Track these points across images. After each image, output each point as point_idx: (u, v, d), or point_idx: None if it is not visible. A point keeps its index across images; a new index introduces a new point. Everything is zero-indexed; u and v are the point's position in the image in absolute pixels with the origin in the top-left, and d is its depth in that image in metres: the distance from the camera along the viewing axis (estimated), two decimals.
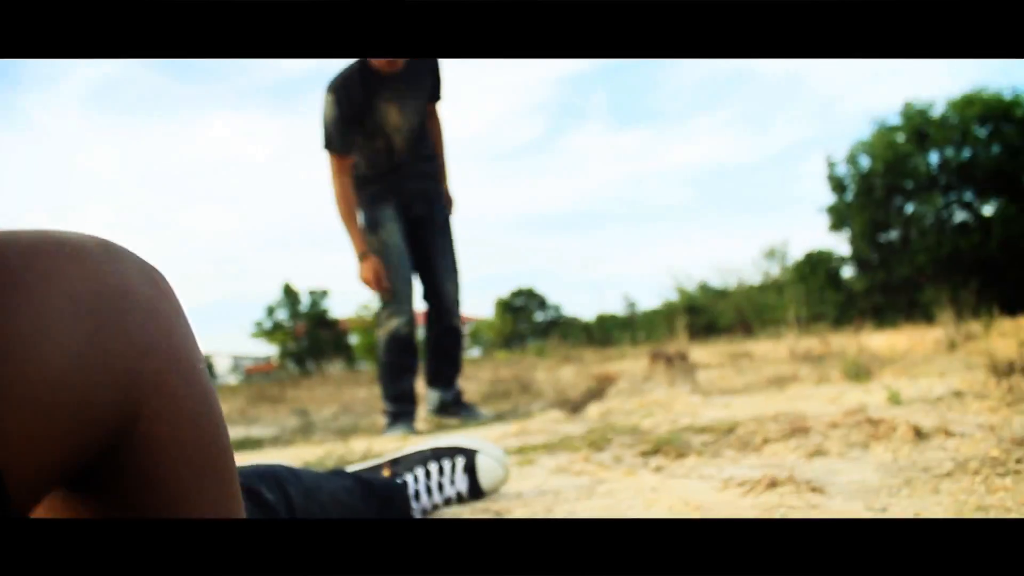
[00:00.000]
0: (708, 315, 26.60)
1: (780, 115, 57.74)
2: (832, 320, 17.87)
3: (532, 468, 2.09)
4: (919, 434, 2.11)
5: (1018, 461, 1.71)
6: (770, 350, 9.49)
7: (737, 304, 26.49)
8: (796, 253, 30.87)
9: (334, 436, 3.84)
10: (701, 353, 9.15)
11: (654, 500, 1.52)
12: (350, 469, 1.70)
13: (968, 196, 24.78)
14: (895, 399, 2.92)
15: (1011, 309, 14.48)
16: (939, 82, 48.62)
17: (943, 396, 2.99)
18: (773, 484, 1.50)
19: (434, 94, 3.66)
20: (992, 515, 1.32)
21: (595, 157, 62.99)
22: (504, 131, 69.73)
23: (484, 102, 71.69)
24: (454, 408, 3.80)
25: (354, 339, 31.38)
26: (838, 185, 25.84)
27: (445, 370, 3.80)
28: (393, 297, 3.49)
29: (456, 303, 3.75)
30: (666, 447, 2.10)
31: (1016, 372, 2.94)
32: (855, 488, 1.53)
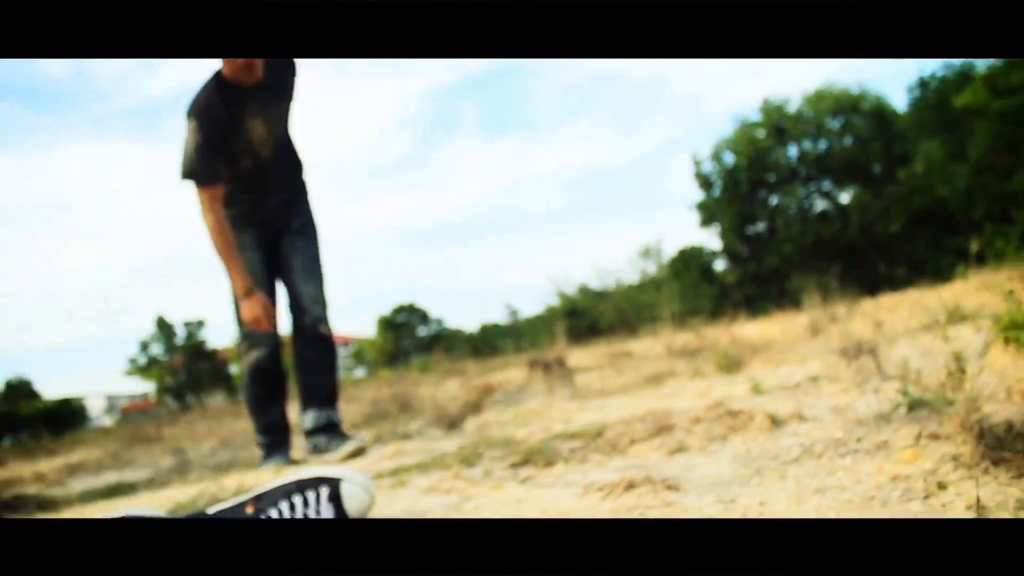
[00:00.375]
0: (589, 317, 27.04)
1: (646, 117, 59.35)
2: (708, 313, 18.41)
3: (404, 490, 2.08)
4: (775, 422, 2.21)
5: (859, 440, 1.81)
6: (649, 348, 9.70)
7: (617, 304, 27.00)
8: (670, 250, 31.68)
9: (212, 473, 3.73)
10: (582, 356, 9.29)
11: (518, 512, 1.54)
12: (215, 509, 1.66)
13: (826, 186, 26.00)
14: (757, 389, 3.04)
15: (871, 290, 15.26)
16: (793, 78, 50.95)
17: (800, 382, 3.13)
18: (631, 486, 1.54)
19: (293, 95, 3.38)
20: (829, 496, 1.39)
21: (469, 169, 63.44)
22: (376, 148, 69.39)
23: (354, 120, 71.15)
24: (327, 436, 3.37)
25: (235, 369, 30.61)
26: (705, 182, 26.69)
27: (316, 389, 3.41)
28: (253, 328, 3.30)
29: (319, 306, 3.41)
30: (535, 457, 2.13)
31: (864, 353, 3.09)
32: (709, 482, 1.59)
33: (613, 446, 2.18)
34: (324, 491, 1.68)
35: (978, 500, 1.28)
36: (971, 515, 1.24)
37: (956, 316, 5.99)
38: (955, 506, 1.30)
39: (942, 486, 1.39)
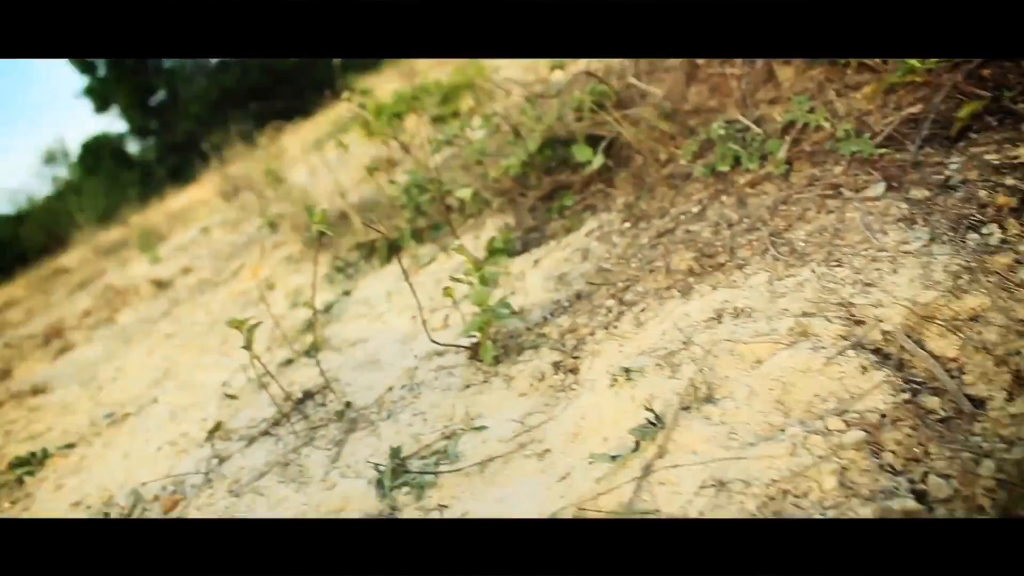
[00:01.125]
0: (14, 247, 24.35)
1: None
2: (138, 198, 17.59)
3: None
4: (160, 285, 2.25)
5: (219, 273, 1.92)
6: (83, 256, 9.11)
7: (41, 222, 24.55)
8: (76, 149, 29.20)
9: None
10: (9, 292, 8.46)
11: None
12: None
13: None
14: (155, 259, 3.04)
15: (287, 121, 15.69)
16: None
17: (195, 237, 3.19)
18: None
19: None
20: (173, 343, 1.49)
21: None
22: None
23: None
24: None
25: None
26: (85, 65, 24.67)
27: None
28: None
29: None
30: None
31: (243, 191, 3.23)
32: (79, 370, 1.60)
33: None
34: None
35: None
36: (289, 300, 1.41)
37: (348, 127, 6.46)
38: (276, 302, 1.47)
39: (271, 286, 1.56)
